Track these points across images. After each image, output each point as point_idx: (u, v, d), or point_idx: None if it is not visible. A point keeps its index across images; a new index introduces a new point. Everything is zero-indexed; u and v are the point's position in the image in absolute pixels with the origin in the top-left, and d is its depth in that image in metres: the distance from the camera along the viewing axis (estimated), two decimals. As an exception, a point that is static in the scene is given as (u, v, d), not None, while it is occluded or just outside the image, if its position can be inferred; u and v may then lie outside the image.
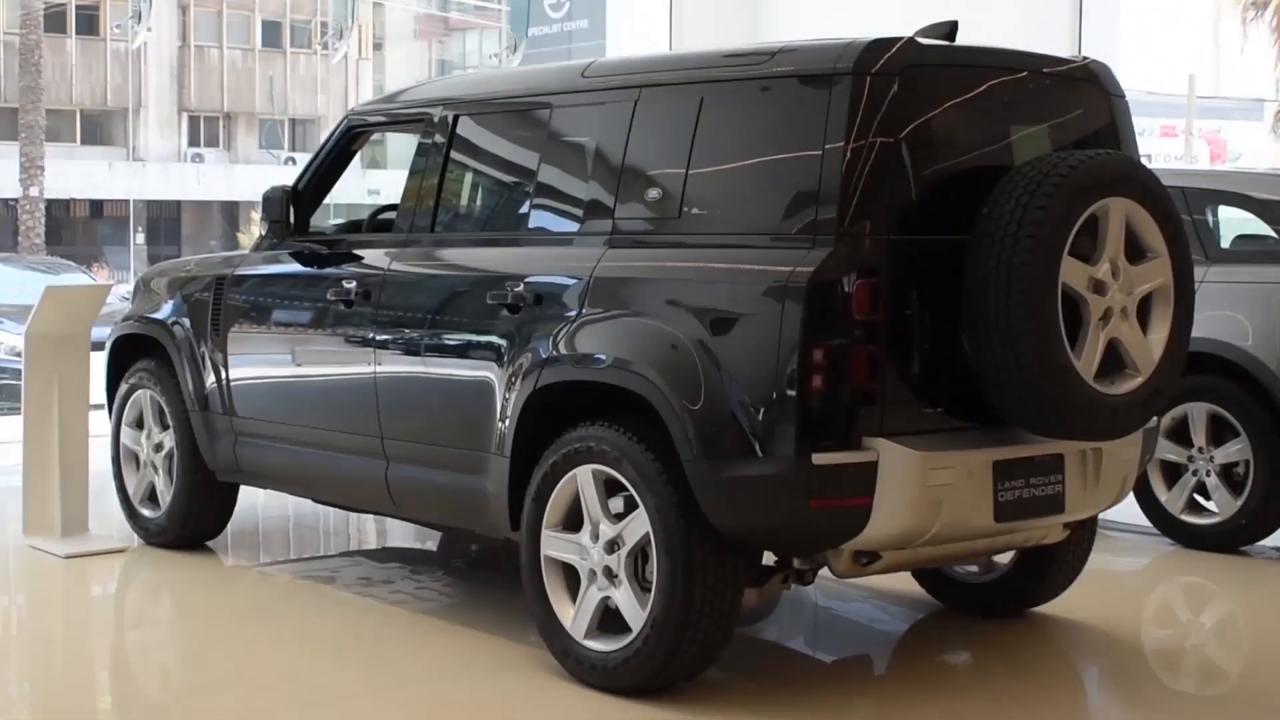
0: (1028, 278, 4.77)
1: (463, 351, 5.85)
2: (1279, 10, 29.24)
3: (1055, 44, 11.81)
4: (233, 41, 50.06)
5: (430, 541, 7.86)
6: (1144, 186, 5.08)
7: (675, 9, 13.79)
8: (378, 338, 6.15)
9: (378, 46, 50.89)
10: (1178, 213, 5.22)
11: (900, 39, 5.03)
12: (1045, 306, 4.80)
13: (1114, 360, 5.08)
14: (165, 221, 48.84)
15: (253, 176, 45.40)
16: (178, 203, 48.75)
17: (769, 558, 5.43)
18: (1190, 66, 30.31)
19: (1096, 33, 12.48)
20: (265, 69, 50.48)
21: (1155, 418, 5.68)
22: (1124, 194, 5.00)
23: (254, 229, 38.28)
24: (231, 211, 49.04)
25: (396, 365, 6.08)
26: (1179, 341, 5.23)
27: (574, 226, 5.63)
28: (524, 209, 5.88)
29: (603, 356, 5.24)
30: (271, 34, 50.74)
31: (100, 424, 7.86)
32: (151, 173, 47.47)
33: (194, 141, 49.94)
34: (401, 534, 8.06)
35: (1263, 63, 30.50)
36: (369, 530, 8.22)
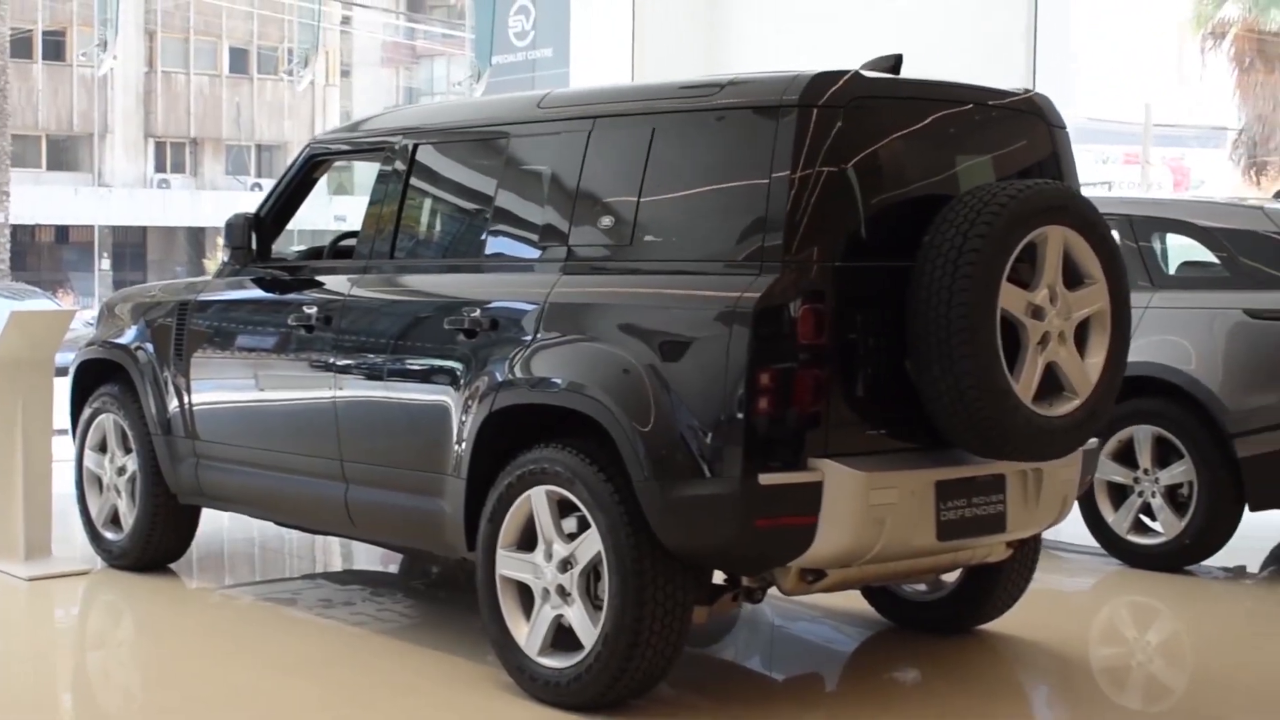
0: (967, 303, 4.92)
1: (421, 376, 5.97)
2: (1236, 39, 29.61)
3: (1010, 75, 12.03)
4: (199, 67, 50.08)
5: (392, 565, 7.95)
6: (1081, 215, 5.24)
7: (637, 39, 13.96)
8: (338, 362, 6.27)
9: (345, 73, 50.97)
10: (1114, 240, 5.39)
11: (846, 72, 5.18)
12: (984, 331, 4.95)
13: (1052, 383, 5.24)
14: (131, 247, 48.79)
15: (219, 202, 45.41)
16: (143, 228, 48.71)
17: (720, 576, 5.57)
18: (1153, 95, 30.69)
19: (1051, 64, 12.71)
20: (232, 95, 50.50)
21: (1095, 439, 5.83)
22: (1061, 222, 5.16)
23: (220, 255, 38.28)
24: (197, 237, 49.00)
25: (356, 389, 6.20)
26: (1116, 365, 5.38)
27: (530, 253, 5.77)
28: (481, 236, 6.01)
29: (557, 380, 5.37)
30: (238, 60, 50.78)
31: (64, 448, 7.95)
32: (118, 198, 47.41)
33: (160, 167, 49.90)
34: (363, 557, 8.15)
35: (1222, 91, 30.85)
36: (331, 553, 8.32)
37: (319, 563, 8.25)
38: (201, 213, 47.83)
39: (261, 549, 8.44)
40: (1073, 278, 5.27)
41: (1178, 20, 30.46)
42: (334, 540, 8.38)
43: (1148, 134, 26.25)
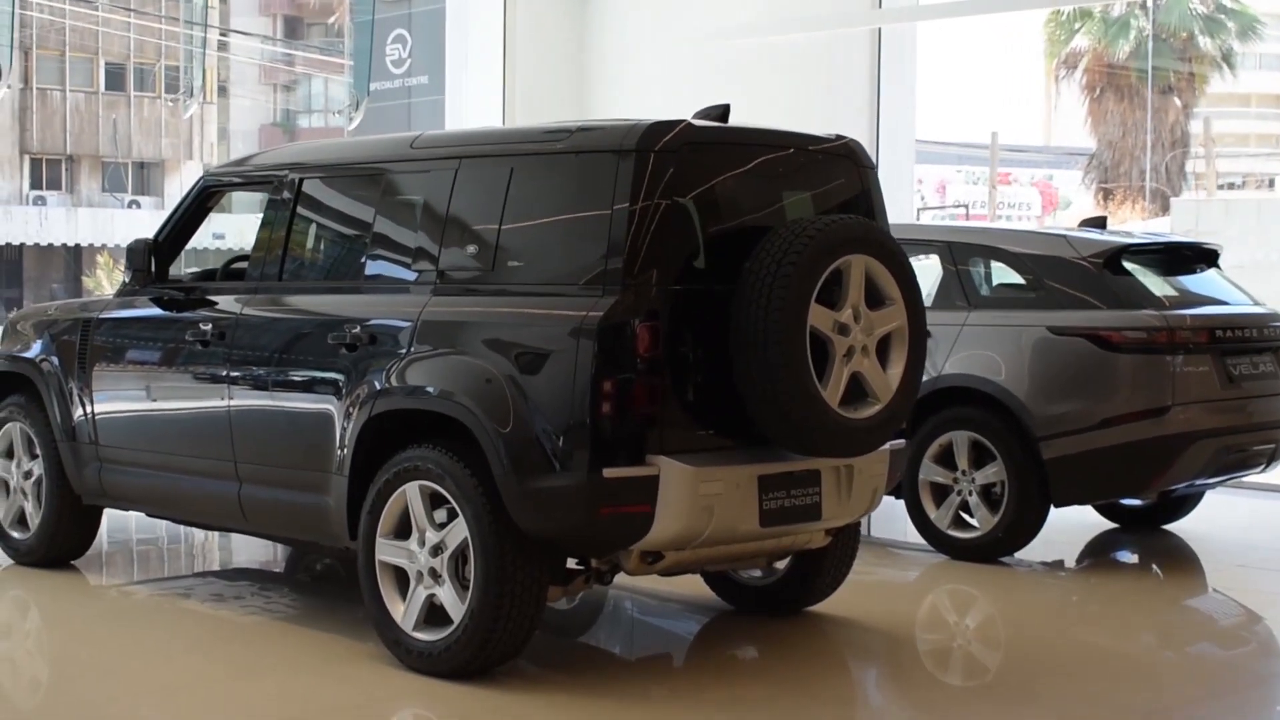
0: (781, 321, 5.69)
1: (307, 385, 6.65)
2: (1088, 70, 30.85)
3: (855, 104, 12.87)
4: (75, 84, 49.89)
5: (275, 565, 8.59)
6: (880, 245, 6.04)
7: (508, 67, 14.63)
8: (231, 374, 6.93)
9: (222, 91, 51.03)
10: (911, 266, 6.18)
11: (679, 121, 5.95)
12: (796, 345, 5.73)
13: (857, 390, 6.02)
14: (7, 264, 48.50)
15: (95, 219, 45.36)
16: (19, 245, 48.42)
17: (572, 562, 6.30)
18: (1014, 120, 31.92)
19: (897, 93, 13.59)
20: (108, 112, 50.36)
21: (902, 440, 6.63)
22: (863, 251, 5.95)
23: (99, 273, 38.31)
24: (75, 255, 48.79)
25: (248, 398, 6.86)
26: (912, 374, 6.18)
27: (404, 276, 6.47)
28: (361, 261, 6.70)
29: (429, 389, 6.08)
30: (115, 78, 50.65)
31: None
32: (-7, 215, 47.09)
33: (36, 184, 49.63)
34: (249, 555, 8.78)
35: (1077, 117, 32.06)
36: (221, 551, 8.92)
37: (209, 561, 8.85)
38: (78, 230, 47.65)
39: (154, 548, 9.02)
40: (874, 299, 6.06)
41: (1037, 50, 31.64)
42: (219, 541, 9.01)
43: (994, 158, 27.35)
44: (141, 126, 50.62)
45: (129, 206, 46.99)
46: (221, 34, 48.40)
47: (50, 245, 48.96)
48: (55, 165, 50.10)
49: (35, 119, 48.99)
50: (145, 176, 50.97)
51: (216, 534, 9.04)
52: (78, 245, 48.15)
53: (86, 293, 37.04)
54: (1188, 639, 7.52)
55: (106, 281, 36.71)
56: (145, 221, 40.49)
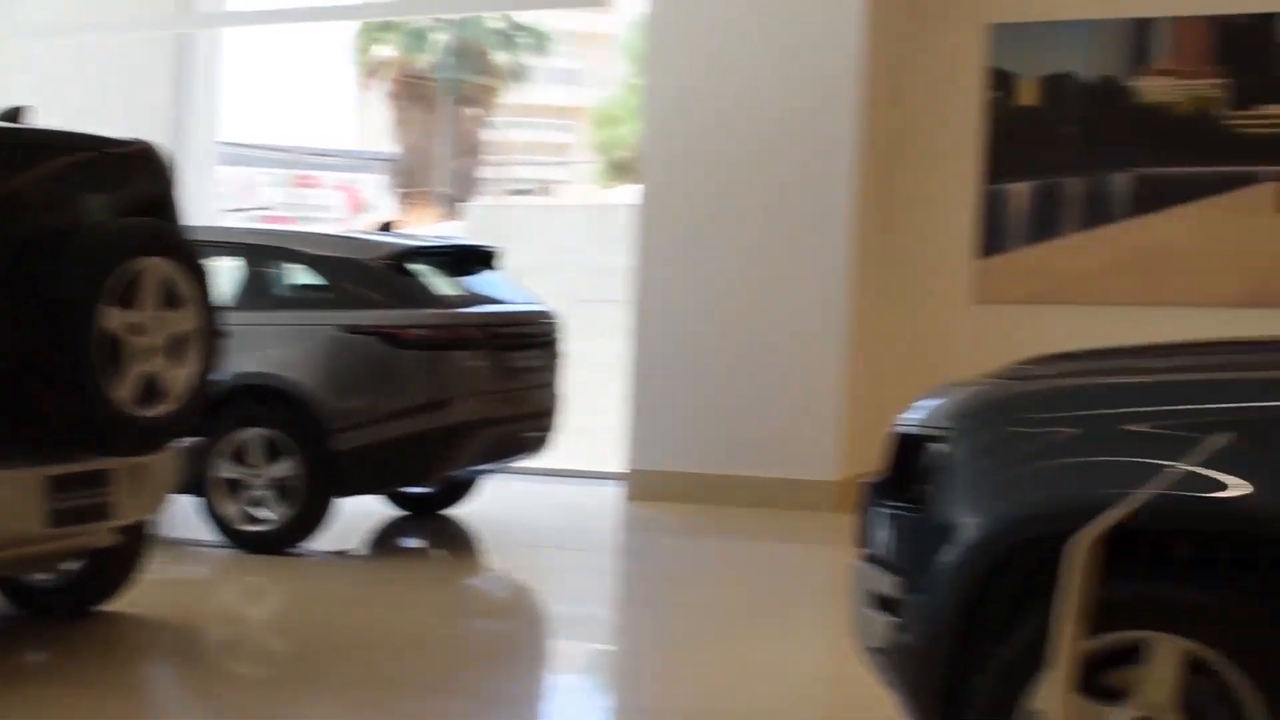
0: (71, 322, 5.79)
1: None
2: (394, 79, 31.76)
3: (155, 122, 12.79)
4: None
5: None
6: (176, 248, 6.24)
7: None
8: None
9: None
10: (206, 269, 6.40)
11: None
12: (86, 345, 5.83)
13: (151, 390, 6.17)
14: None
15: None
16: None
17: None
18: (320, 124, 32.38)
19: (195, 101, 13.64)
20: None
21: (200, 437, 6.83)
22: (157, 254, 6.13)
23: None
24: None
25: None
26: (204, 373, 6.40)
27: None
28: None
29: None
30: None
31: None
32: None
33: None
34: None
35: (384, 124, 32.92)
36: None
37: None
38: None
39: None
40: (171, 300, 6.22)
41: (345, 56, 32.17)
42: None
43: (297, 160, 27.79)
44: None
45: None
46: None
47: None
48: None
49: None
50: None
51: None
52: None
53: None
54: (462, 613, 8.06)
55: None
56: None
